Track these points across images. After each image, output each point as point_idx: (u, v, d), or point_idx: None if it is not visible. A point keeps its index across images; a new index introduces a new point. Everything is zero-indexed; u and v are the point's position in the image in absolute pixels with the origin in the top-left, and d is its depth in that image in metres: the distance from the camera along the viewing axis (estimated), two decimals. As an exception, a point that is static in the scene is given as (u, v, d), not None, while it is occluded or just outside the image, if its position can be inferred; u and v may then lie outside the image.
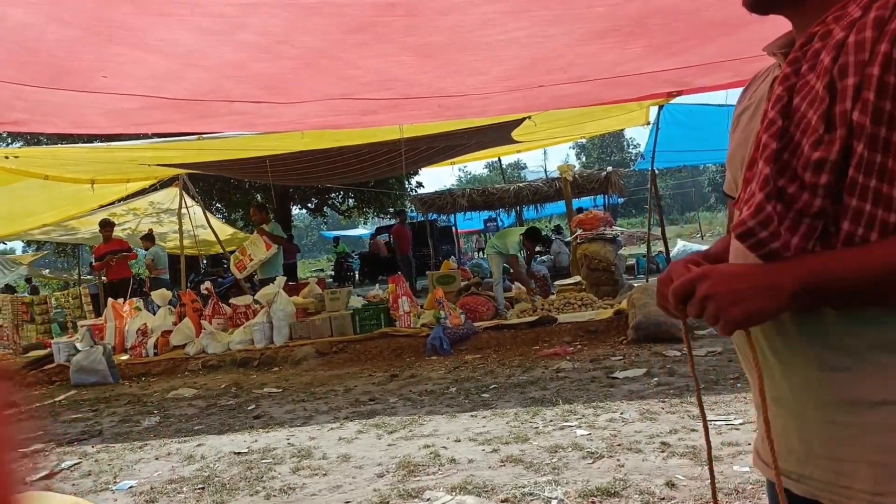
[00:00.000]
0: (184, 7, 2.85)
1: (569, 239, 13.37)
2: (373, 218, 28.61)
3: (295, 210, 25.57)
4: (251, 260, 9.99)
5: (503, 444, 4.06)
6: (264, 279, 9.86)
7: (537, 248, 11.04)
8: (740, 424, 3.93)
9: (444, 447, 4.12)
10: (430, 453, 4.00)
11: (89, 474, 4.29)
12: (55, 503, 2.11)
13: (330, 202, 24.27)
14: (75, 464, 4.54)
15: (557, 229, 21.65)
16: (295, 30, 3.10)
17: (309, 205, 24.13)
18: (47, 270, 23.89)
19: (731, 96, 8.44)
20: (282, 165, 10.20)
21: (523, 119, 8.47)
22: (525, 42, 3.59)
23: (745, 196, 0.97)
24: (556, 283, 10.28)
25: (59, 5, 2.72)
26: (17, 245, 23.85)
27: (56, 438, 5.35)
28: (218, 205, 20.46)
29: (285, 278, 9.23)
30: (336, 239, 28.61)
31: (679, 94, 6.30)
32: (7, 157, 8.46)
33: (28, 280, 23.57)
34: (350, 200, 24.02)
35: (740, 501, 2.92)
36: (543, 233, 15.98)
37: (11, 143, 17.06)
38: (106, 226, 11.41)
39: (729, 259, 1.10)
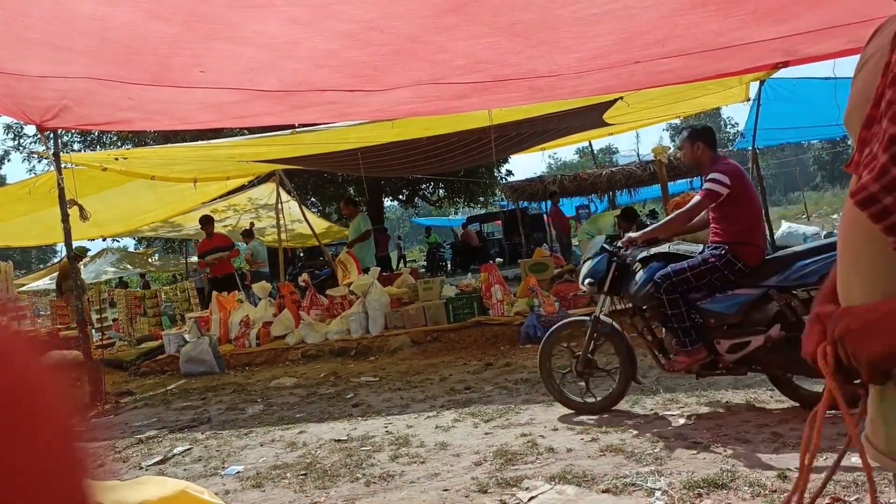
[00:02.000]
0: (276, -2, 2.87)
1: (665, 224, 12.93)
2: (463, 207, 28.73)
3: (387, 202, 25.99)
4: (348, 279, 10.16)
5: (602, 433, 3.95)
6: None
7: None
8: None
9: (541, 436, 4.04)
10: (528, 442, 3.94)
11: (200, 459, 4.46)
12: (168, 487, 2.19)
13: (421, 193, 24.51)
14: (186, 449, 4.74)
15: (653, 214, 21.05)
16: (385, 14, 3.07)
17: (400, 196, 24.45)
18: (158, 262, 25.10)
19: (839, 67, 7.91)
20: (373, 157, 10.32)
21: (615, 100, 8.23)
22: (620, 15, 3.43)
23: (865, 159, 0.85)
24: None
25: (157, 3, 2.79)
26: (129, 242, 25.32)
27: (169, 425, 5.61)
28: (313, 199, 21.02)
29: (379, 269, 9.33)
30: (428, 230, 28.91)
31: (785, 65, 5.90)
32: (117, 159, 8.93)
33: (142, 275, 24.97)
34: (440, 191, 24.18)
35: (860, 495, 2.71)
36: (638, 218, 15.55)
37: (121, 146, 18.04)
38: (206, 223, 11.23)
39: (838, 247, 0.97)
